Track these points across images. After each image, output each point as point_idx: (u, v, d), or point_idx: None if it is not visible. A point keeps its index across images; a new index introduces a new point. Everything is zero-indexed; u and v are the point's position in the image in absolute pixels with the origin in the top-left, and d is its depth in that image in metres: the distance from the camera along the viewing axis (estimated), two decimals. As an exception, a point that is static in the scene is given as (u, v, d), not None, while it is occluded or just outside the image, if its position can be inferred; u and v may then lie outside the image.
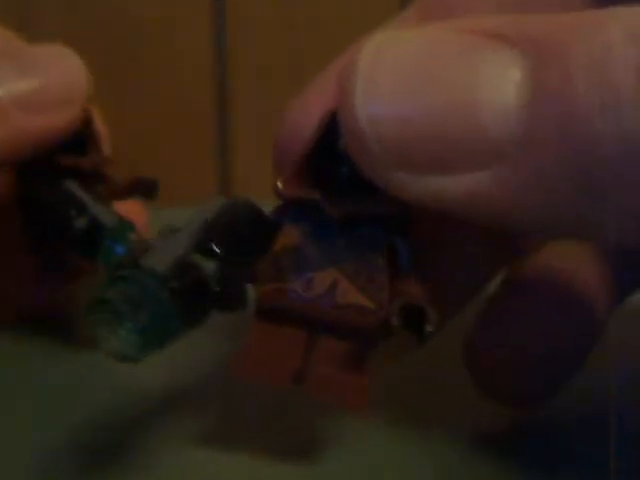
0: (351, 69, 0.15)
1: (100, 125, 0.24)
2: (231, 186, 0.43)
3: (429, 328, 0.17)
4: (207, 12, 0.41)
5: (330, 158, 0.18)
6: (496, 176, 0.15)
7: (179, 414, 0.21)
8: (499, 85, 0.14)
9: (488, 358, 0.19)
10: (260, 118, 0.42)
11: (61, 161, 0.22)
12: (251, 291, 0.18)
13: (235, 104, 0.42)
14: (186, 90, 0.42)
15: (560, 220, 0.15)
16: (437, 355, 0.23)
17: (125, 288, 0.16)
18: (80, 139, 0.22)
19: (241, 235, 0.18)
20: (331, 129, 0.17)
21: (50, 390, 0.22)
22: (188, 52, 0.41)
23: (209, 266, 0.17)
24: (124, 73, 0.41)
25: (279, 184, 0.18)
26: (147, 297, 0.16)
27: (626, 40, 0.13)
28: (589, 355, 0.20)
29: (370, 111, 0.15)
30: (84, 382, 0.23)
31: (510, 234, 0.19)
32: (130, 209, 0.25)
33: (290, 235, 0.18)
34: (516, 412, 0.21)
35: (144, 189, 0.24)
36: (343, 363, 0.17)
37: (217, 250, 0.17)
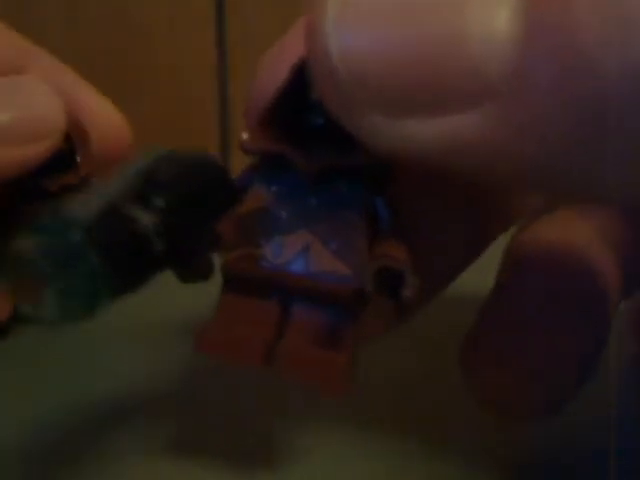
0: (319, 6, 0.13)
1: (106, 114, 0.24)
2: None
3: (407, 293, 0.15)
4: (209, 15, 0.41)
5: (303, 109, 0.16)
6: (485, 118, 0.13)
7: (151, 419, 0.21)
8: (491, 13, 0.13)
9: (486, 371, 0.18)
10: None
11: (46, 186, 0.22)
12: (218, 259, 0.16)
13: (236, 104, 0.42)
14: (187, 90, 0.42)
15: (555, 172, 0.13)
16: (432, 359, 0.23)
17: (45, 241, 0.13)
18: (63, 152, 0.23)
19: (191, 189, 0.15)
20: (304, 77, 0.15)
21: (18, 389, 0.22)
22: (189, 53, 0.41)
23: (149, 220, 0.14)
24: (125, 73, 0.41)
25: (244, 136, 0.16)
26: (70, 252, 0.13)
27: None
28: (599, 364, 0.18)
29: (343, 43, 0.13)
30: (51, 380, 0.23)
31: (498, 191, 0.17)
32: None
33: (260, 197, 0.16)
34: (516, 425, 0.19)
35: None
36: (319, 338, 0.15)
37: (156, 201, 0.14)
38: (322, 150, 0.16)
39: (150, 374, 0.23)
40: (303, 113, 0.16)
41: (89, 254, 0.13)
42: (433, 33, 0.13)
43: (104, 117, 0.25)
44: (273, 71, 0.17)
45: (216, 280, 0.16)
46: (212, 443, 0.20)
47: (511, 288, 0.18)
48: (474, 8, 0.13)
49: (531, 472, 0.19)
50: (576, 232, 0.19)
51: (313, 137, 0.16)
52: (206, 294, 0.17)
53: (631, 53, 0.12)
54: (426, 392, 0.22)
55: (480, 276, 0.20)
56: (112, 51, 0.41)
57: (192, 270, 0.15)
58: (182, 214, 0.15)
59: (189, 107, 0.42)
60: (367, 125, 0.14)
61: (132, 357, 0.25)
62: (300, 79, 0.15)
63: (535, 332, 0.18)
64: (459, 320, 0.20)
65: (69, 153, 0.23)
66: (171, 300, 0.27)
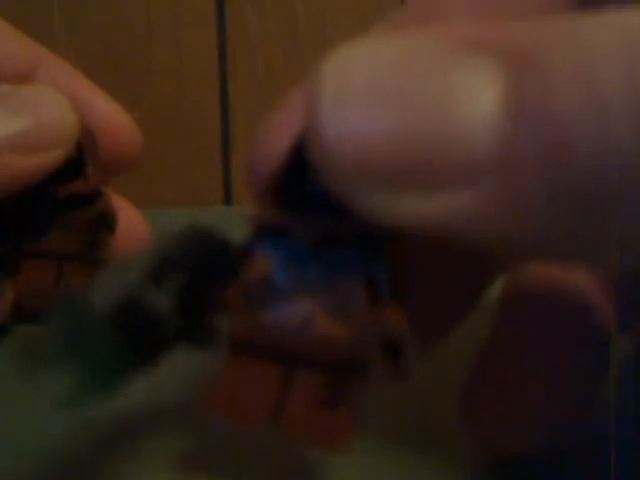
0: (317, 86, 0.14)
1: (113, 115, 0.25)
2: (232, 188, 0.43)
3: (406, 363, 0.16)
4: (209, 15, 0.41)
5: (303, 181, 0.16)
6: (476, 196, 0.13)
7: (158, 436, 0.21)
8: (476, 99, 0.13)
9: (485, 417, 0.18)
10: (261, 122, 0.42)
11: (57, 193, 0.22)
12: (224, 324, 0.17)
13: (237, 108, 0.42)
14: (187, 90, 0.42)
15: (549, 243, 0.14)
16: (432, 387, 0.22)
17: (64, 325, 0.15)
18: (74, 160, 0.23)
19: (201, 267, 0.16)
20: (304, 150, 0.16)
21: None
22: (189, 53, 0.41)
23: (164, 303, 0.15)
24: (125, 73, 0.41)
25: (249, 210, 0.17)
26: (88, 337, 0.15)
27: (615, 49, 0.12)
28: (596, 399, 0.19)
29: (339, 130, 0.14)
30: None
31: (496, 255, 0.18)
32: (131, 218, 0.25)
33: (264, 265, 0.16)
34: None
35: (102, 220, 0.24)
36: (323, 401, 0.16)
37: (170, 284, 0.16)
38: (323, 214, 0.16)
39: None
40: (304, 183, 0.16)
41: (109, 341, 0.14)
42: (424, 116, 0.13)
43: (115, 123, 0.25)
44: (274, 145, 0.17)
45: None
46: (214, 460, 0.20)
47: (508, 332, 0.19)
48: (461, 91, 0.13)
49: (531, 472, 0.19)
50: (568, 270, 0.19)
51: (314, 201, 0.16)
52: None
53: (613, 133, 0.12)
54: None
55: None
56: (112, 51, 0.41)
57: (203, 340, 0.16)
58: (194, 291, 0.16)
59: (189, 107, 0.42)
60: (364, 203, 0.14)
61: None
62: (301, 151, 0.16)
63: (535, 378, 0.18)
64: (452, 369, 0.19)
65: (78, 160, 0.23)
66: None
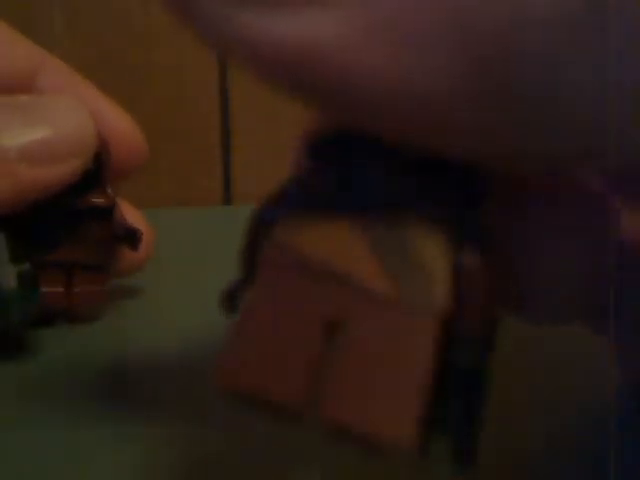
0: None
1: (118, 121, 0.25)
2: (232, 188, 0.43)
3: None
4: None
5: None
6: (344, 12, 0.11)
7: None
8: None
9: None
10: (261, 122, 0.42)
11: (76, 205, 0.23)
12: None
13: (236, 105, 0.42)
14: (188, 90, 0.42)
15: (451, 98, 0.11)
16: None
17: None
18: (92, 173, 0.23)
19: None
20: None
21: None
22: (189, 53, 0.41)
23: None
24: (126, 73, 0.41)
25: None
26: None
27: None
28: None
29: None
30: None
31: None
32: (133, 219, 0.25)
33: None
34: None
35: (127, 239, 0.24)
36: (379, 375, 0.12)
37: None
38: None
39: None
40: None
41: None
42: None
43: (122, 130, 0.25)
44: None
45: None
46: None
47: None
48: None
49: (531, 472, 0.19)
50: None
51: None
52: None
53: None
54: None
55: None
56: (112, 51, 0.41)
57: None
58: None
59: (189, 107, 0.42)
60: (204, 15, 0.12)
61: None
62: None
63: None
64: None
65: (96, 171, 0.23)
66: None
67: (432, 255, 0.13)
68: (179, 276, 0.30)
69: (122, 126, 0.25)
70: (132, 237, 0.24)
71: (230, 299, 0.15)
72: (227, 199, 0.43)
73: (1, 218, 0.22)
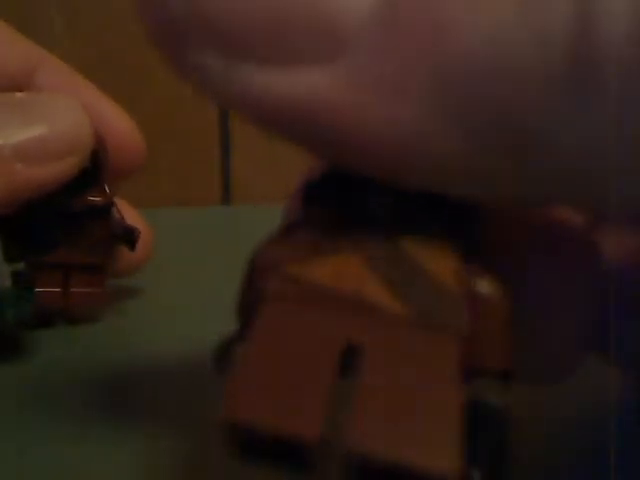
0: None
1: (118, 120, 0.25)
2: (232, 188, 0.43)
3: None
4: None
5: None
6: (337, 75, 0.12)
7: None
8: None
9: None
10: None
11: (73, 204, 0.22)
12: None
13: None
14: (187, 90, 0.42)
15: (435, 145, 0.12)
16: None
17: None
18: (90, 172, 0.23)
19: None
20: None
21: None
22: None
23: None
24: (126, 73, 0.41)
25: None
26: None
27: None
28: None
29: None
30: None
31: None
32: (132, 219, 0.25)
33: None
34: None
35: (126, 237, 0.24)
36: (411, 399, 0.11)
37: None
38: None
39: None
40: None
41: None
42: None
43: (123, 131, 0.25)
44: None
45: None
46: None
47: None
48: None
49: (531, 472, 0.19)
50: None
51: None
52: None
53: (479, 24, 0.11)
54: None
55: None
56: (112, 51, 0.41)
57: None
58: None
59: (189, 107, 0.42)
60: (203, 67, 0.12)
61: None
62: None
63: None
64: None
65: (93, 170, 0.23)
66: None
67: (442, 272, 0.12)
68: (178, 276, 0.30)
69: (121, 126, 0.25)
70: (130, 236, 0.24)
71: (223, 354, 0.13)
72: (227, 199, 0.43)
73: None
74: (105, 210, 0.23)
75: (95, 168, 0.23)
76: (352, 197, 0.13)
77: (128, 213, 0.25)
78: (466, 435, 0.11)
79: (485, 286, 0.13)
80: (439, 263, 0.13)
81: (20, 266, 0.23)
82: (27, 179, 0.20)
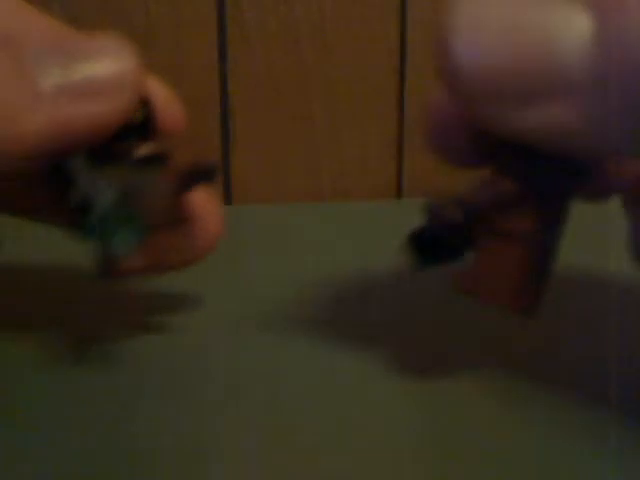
0: (448, 27, 0.18)
1: (161, 100, 0.24)
2: (232, 188, 0.43)
3: None
4: (210, 14, 0.41)
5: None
6: (571, 106, 0.18)
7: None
8: (570, 28, 0.18)
9: None
10: (261, 122, 0.42)
11: (112, 148, 0.22)
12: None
13: (237, 108, 0.42)
14: (187, 90, 0.42)
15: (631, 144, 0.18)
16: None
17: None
18: (142, 124, 0.22)
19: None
20: None
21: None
22: (189, 53, 0.41)
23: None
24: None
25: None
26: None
27: None
28: None
29: (469, 59, 0.18)
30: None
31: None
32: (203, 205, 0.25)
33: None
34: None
35: (203, 174, 0.24)
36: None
37: None
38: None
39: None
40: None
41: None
42: (536, 43, 0.18)
43: (164, 96, 0.25)
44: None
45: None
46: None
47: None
48: (561, 25, 0.18)
49: (531, 471, 0.19)
50: None
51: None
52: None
53: None
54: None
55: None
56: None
57: None
58: None
59: (189, 107, 0.42)
60: (488, 115, 0.19)
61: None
62: None
63: None
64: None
65: (146, 122, 0.22)
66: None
67: None
68: (178, 276, 0.30)
69: (162, 90, 0.25)
70: (210, 171, 0.24)
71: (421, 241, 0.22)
72: (227, 199, 0.43)
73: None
74: (163, 160, 0.23)
75: (147, 120, 0.22)
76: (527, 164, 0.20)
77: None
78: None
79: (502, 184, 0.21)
80: None
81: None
82: (74, 117, 0.20)
